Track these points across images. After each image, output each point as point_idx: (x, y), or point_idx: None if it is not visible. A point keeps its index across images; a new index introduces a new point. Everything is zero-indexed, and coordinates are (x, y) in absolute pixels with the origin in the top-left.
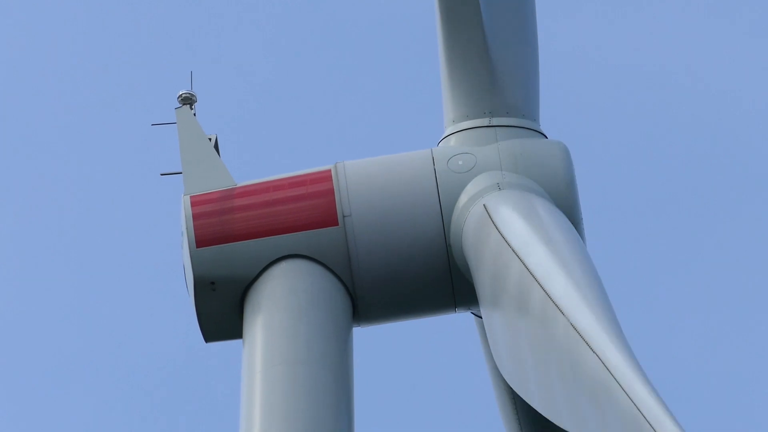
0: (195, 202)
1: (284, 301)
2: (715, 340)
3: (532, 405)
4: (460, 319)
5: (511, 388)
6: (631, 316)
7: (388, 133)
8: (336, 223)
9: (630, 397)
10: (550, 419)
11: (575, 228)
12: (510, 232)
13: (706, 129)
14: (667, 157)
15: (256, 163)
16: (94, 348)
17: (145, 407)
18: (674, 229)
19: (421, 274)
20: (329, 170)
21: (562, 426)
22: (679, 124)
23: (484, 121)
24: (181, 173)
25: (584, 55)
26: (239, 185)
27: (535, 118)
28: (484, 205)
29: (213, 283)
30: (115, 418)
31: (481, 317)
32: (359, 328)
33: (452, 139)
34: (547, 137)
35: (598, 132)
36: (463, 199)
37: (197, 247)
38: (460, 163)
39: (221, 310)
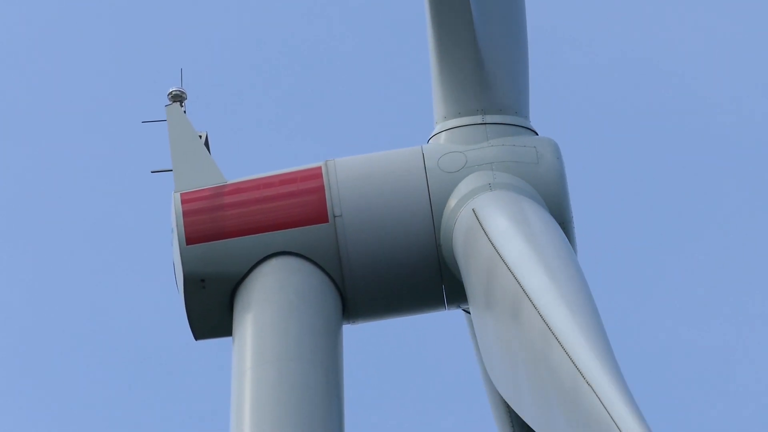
0: (185, 199)
1: (274, 298)
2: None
3: (521, 415)
4: (450, 316)
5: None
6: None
7: (378, 130)
8: (326, 221)
9: (603, 404)
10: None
11: (565, 226)
12: (501, 243)
13: (692, 121)
14: (656, 151)
15: (246, 160)
16: (83, 345)
17: (135, 403)
18: (665, 222)
19: (411, 272)
20: (320, 167)
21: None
22: (667, 116)
23: (476, 119)
24: (171, 171)
25: (571, 48)
26: (230, 182)
27: (525, 115)
28: (473, 209)
29: (203, 280)
30: (106, 413)
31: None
32: (349, 325)
33: (442, 137)
34: (537, 134)
35: (587, 127)
36: (454, 200)
37: (187, 244)
38: (451, 162)
39: (211, 308)
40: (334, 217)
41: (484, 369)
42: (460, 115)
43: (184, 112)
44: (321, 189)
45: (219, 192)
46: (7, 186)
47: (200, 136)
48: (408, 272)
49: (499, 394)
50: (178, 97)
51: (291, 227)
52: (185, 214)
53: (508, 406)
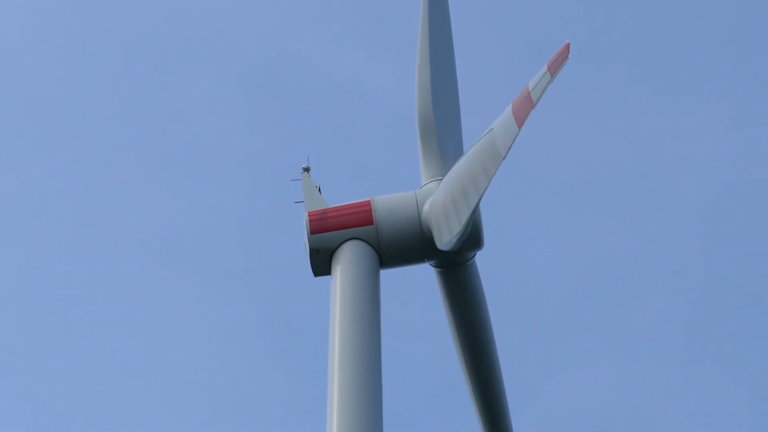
0: (311, 214)
1: (349, 259)
2: None
3: None
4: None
5: (465, 342)
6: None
7: (397, 174)
8: (372, 224)
9: None
10: None
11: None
12: None
13: None
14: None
15: (336, 195)
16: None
17: (278, 315)
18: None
19: (410, 248)
20: (369, 200)
21: None
22: None
23: (438, 182)
24: (304, 201)
25: None
26: (330, 207)
27: None
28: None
29: (318, 251)
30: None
31: (441, 273)
32: (383, 270)
33: (425, 190)
34: None
35: None
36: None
37: (311, 234)
38: (426, 204)
39: (322, 263)
40: (377, 222)
41: (452, 325)
42: (433, 179)
43: (309, 175)
44: (370, 210)
45: (325, 211)
46: (231, 202)
47: (317, 186)
48: (409, 248)
49: (464, 348)
50: (307, 169)
51: (357, 227)
52: (310, 221)
53: (487, 403)
